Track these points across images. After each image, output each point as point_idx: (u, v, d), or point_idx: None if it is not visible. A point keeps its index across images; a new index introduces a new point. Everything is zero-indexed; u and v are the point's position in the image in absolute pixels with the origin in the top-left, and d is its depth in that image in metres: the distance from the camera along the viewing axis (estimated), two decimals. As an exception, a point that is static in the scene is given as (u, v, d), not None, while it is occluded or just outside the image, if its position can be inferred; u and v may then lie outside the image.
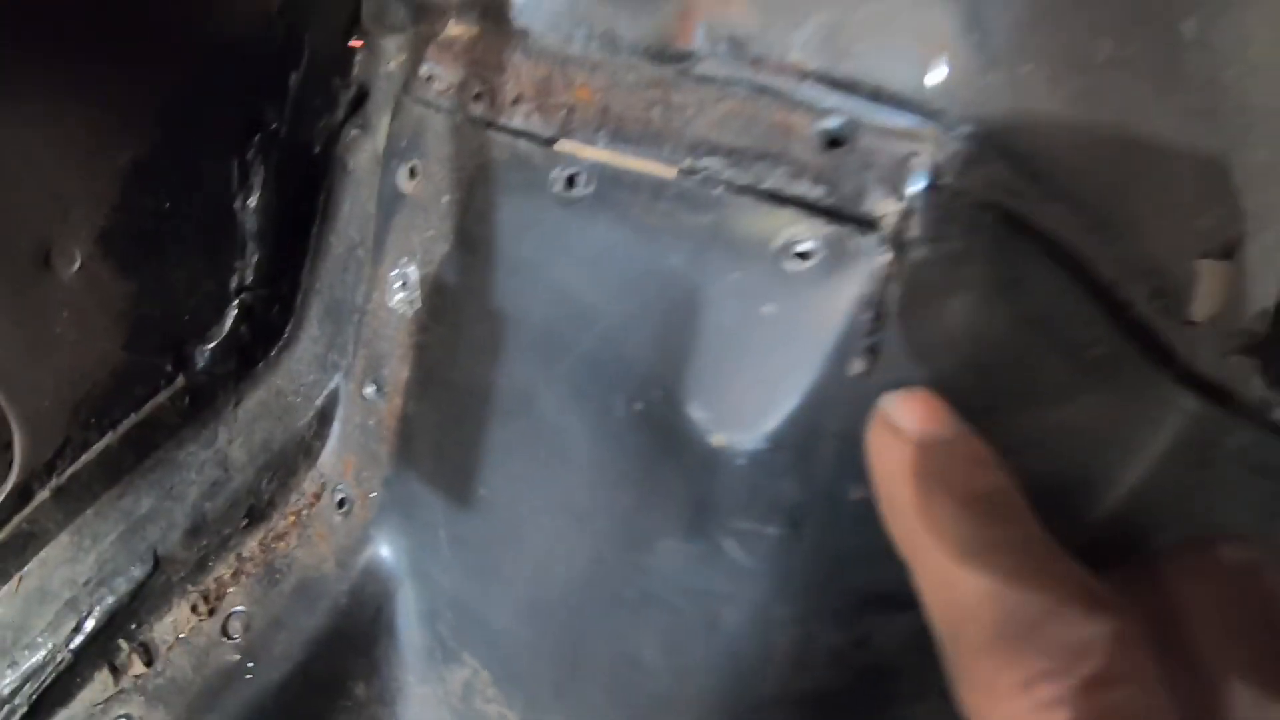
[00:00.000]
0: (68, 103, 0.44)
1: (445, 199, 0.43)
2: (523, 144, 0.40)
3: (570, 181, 0.38)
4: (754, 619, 0.37)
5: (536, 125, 0.40)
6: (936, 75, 0.34)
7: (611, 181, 0.37)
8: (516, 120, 0.41)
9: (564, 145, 0.39)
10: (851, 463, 0.35)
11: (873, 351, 0.34)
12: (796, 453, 0.34)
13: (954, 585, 0.24)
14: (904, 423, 0.27)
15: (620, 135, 0.38)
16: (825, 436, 0.34)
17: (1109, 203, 0.38)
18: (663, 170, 0.36)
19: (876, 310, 0.33)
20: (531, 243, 0.40)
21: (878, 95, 0.35)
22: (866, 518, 0.37)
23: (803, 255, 0.33)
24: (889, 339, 0.33)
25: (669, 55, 0.39)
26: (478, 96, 0.42)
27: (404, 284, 0.45)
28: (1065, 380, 0.37)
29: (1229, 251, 0.44)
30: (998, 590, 0.22)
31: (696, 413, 0.35)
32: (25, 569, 0.48)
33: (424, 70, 0.45)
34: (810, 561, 0.36)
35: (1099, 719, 0.20)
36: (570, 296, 0.38)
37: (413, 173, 0.44)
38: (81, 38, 0.44)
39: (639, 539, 0.38)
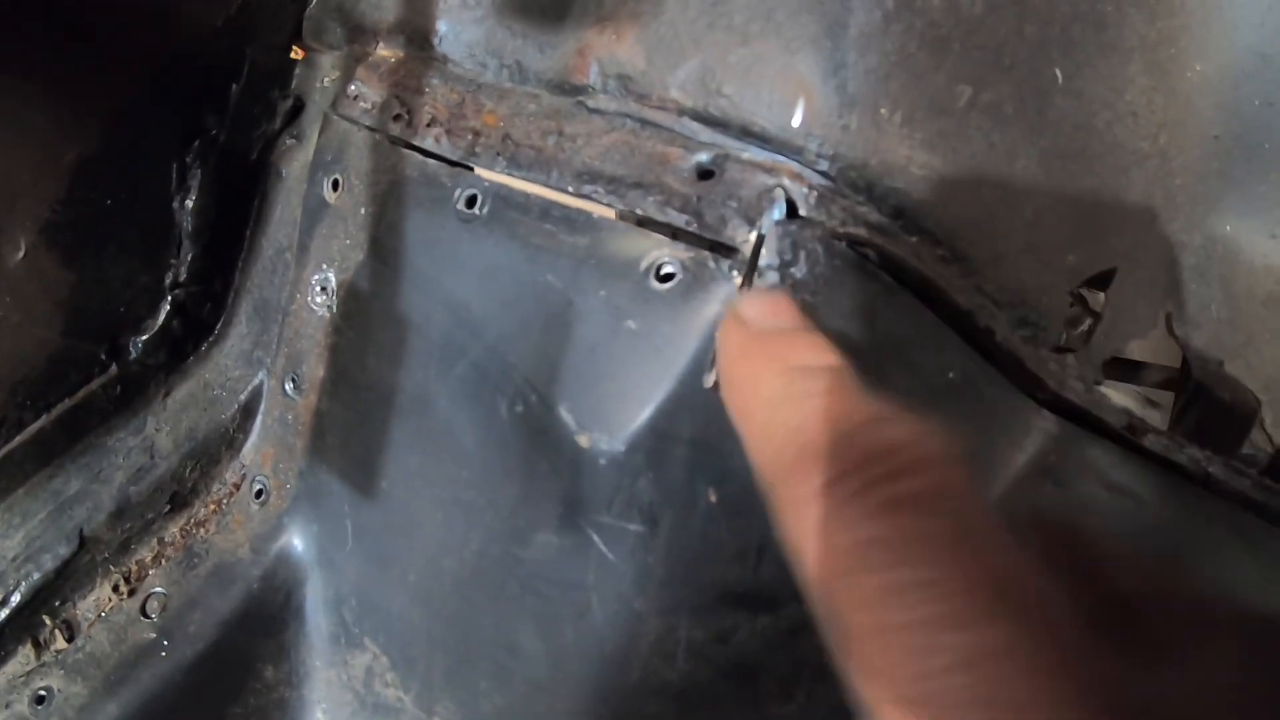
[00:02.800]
0: (21, 99, 0.49)
1: (363, 211, 0.47)
2: (432, 164, 0.45)
3: (470, 201, 0.43)
4: (619, 611, 0.41)
5: (446, 148, 0.45)
6: (799, 115, 0.39)
7: (504, 202, 0.42)
8: (429, 141, 0.45)
9: (480, 172, 0.44)
10: (704, 467, 0.40)
11: (724, 367, 0.38)
12: (652, 455, 0.38)
13: (770, 434, 0.24)
14: (749, 314, 0.28)
15: (516, 160, 0.42)
16: (679, 442, 0.38)
17: (969, 237, 0.42)
18: (557, 196, 0.41)
19: (728, 329, 0.38)
20: (434, 256, 0.44)
21: (746, 132, 0.40)
22: (721, 519, 0.41)
23: (666, 277, 0.38)
24: (739, 356, 0.38)
25: (567, 88, 0.44)
26: (397, 117, 0.47)
27: (323, 288, 0.50)
28: (918, 401, 0.41)
29: (1102, 285, 0.48)
30: (803, 422, 0.23)
31: (566, 415, 0.39)
32: (-44, 543, 0.52)
33: (351, 89, 0.49)
34: (668, 558, 0.40)
35: (897, 504, 0.20)
36: (465, 307, 0.43)
37: (336, 185, 0.49)
38: (37, 38, 0.49)
39: (519, 532, 0.43)
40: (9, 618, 0.52)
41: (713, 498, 0.39)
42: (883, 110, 0.39)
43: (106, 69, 0.50)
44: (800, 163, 0.39)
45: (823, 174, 0.39)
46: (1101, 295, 0.48)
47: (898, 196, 0.40)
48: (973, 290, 0.43)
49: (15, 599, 0.52)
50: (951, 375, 0.42)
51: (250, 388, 0.55)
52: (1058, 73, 0.42)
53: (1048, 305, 0.46)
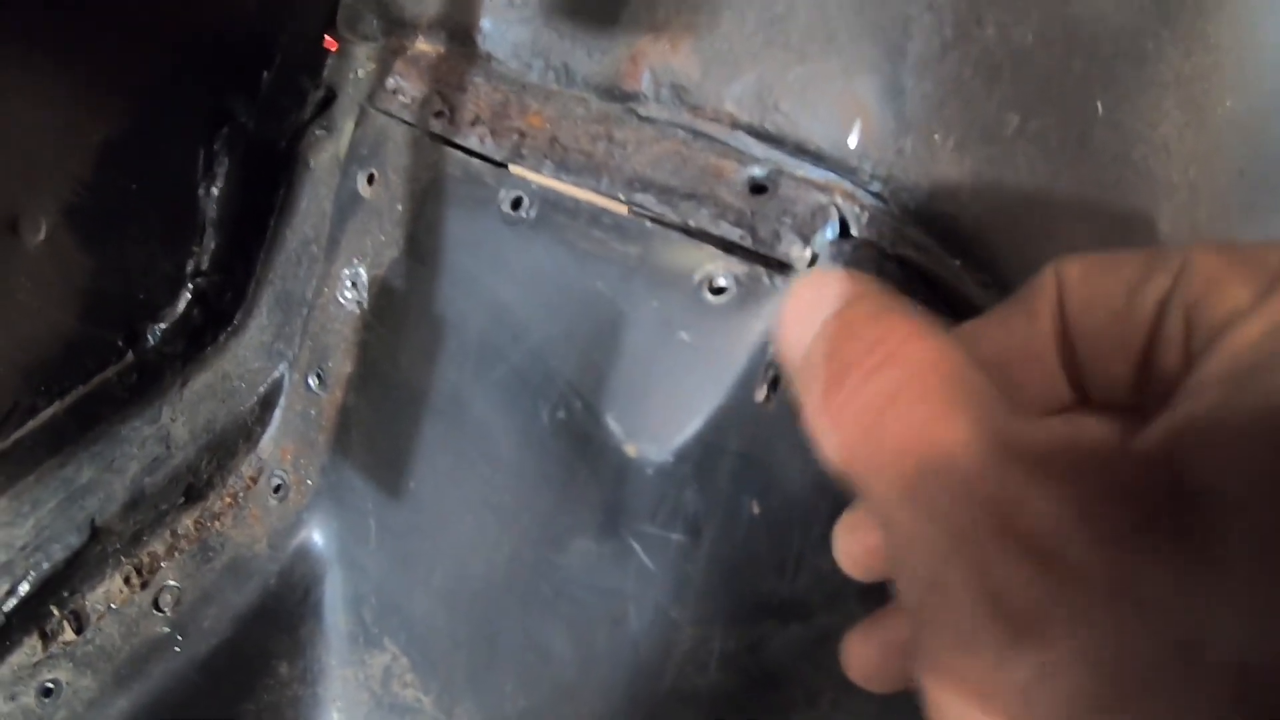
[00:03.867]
0: (49, 80, 0.48)
1: (399, 207, 0.47)
2: (476, 163, 0.45)
3: (516, 204, 0.43)
4: (655, 619, 0.42)
5: (490, 148, 0.45)
6: (855, 136, 0.40)
7: (553, 206, 0.42)
8: (472, 140, 0.45)
9: (514, 169, 0.44)
10: (749, 479, 0.40)
11: (775, 383, 0.39)
12: (699, 467, 0.39)
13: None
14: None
15: (565, 165, 0.43)
16: (726, 454, 0.39)
17: (1009, 262, 0.44)
18: (607, 203, 0.41)
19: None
20: (475, 257, 0.44)
21: (801, 150, 0.40)
22: (762, 532, 0.42)
23: (719, 290, 0.38)
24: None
25: (617, 94, 0.44)
26: (438, 114, 0.47)
27: (354, 283, 0.49)
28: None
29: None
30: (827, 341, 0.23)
31: (613, 424, 0.40)
32: (-39, 530, 0.51)
33: (390, 83, 0.49)
34: (708, 568, 0.40)
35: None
36: (507, 310, 0.43)
37: (371, 179, 0.49)
38: (68, 19, 0.48)
39: (555, 538, 0.43)
40: (16, 608, 0.51)
41: (755, 509, 0.40)
42: (936, 135, 0.39)
43: (138, 50, 0.50)
44: (853, 182, 0.39)
45: (874, 194, 0.40)
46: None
47: (945, 220, 0.41)
48: (1009, 313, 0.44)
49: (23, 588, 0.51)
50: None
51: (270, 380, 0.54)
52: (1099, 105, 0.43)
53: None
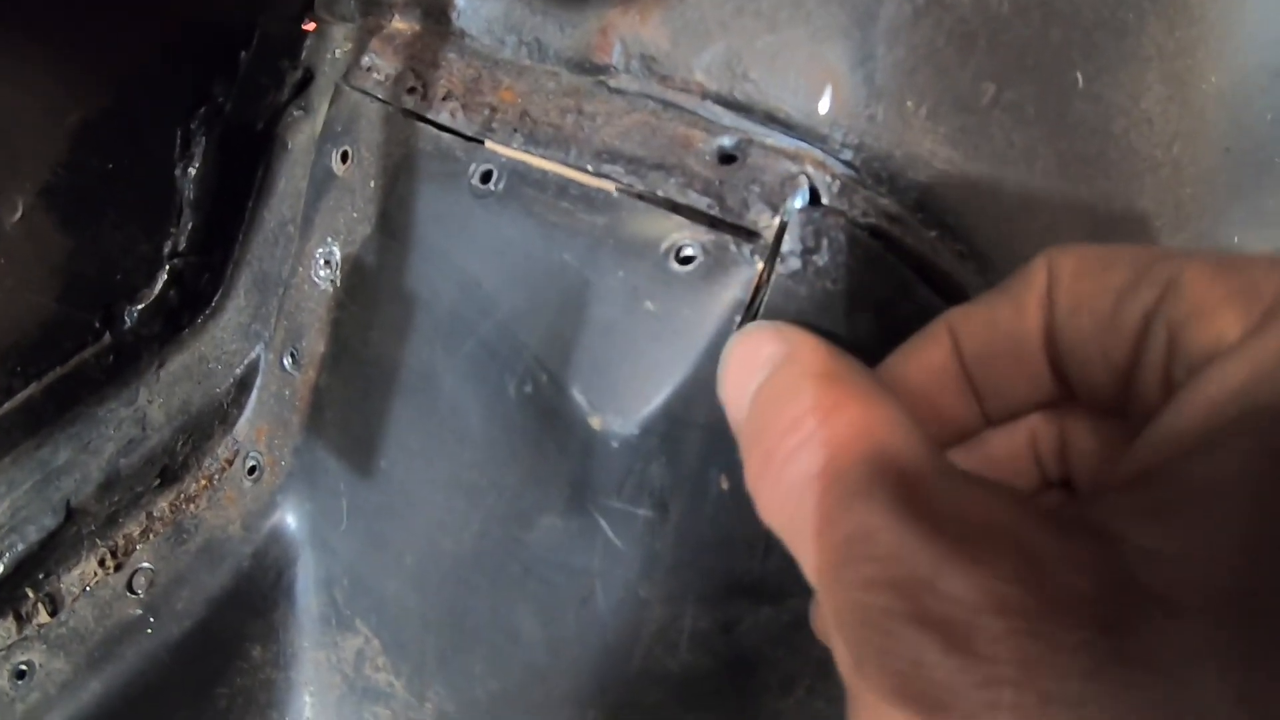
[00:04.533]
0: (25, 58, 0.48)
1: (372, 184, 0.47)
2: (447, 138, 0.44)
3: (485, 177, 0.43)
4: (624, 597, 0.41)
5: (461, 122, 0.44)
6: (825, 103, 0.39)
7: (521, 179, 0.42)
8: (444, 116, 0.45)
9: (485, 143, 0.44)
10: (717, 453, 0.40)
11: (742, 352, 0.38)
12: (666, 439, 0.38)
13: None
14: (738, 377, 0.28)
15: (534, 137, 0.42)
16: (693, 427, 0.38)
17: (986, 234, 0.43)
18: (574, 174, 0.41)
19: (748, 314, 0.38)
20: (446, 231, 0.44)
21: (771, 118, 0.40)
22: (732, 508, 0.41)
23: (686, 259, 0.38)
24: (757, 342, 0.38)
25: (588, 67, 0.43)
26: (411, 90, 0.47)
27: (327, 262, 0.49)
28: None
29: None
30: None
31: (578, 396, 0.39)
32: (-63, 510, 0.51)
33: (365, 60, 0.49)
34: (677, 545, 0.40)
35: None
36: (476, 283, 0.43)
37: (344, 157, 0.49)
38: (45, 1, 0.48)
39: (523, 515, 0.42)
40: (-9, 588, 0.51)
41: (724, 485, 0.39)
42: (909, 103, 0.39)
43: (115, 30, 0.50)
44: (824, 151, 0.39)
45: (846, 163, 0.39)
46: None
47: (919, 190, 0.40)
48: (986, 287, 0.43)
49: (-3, 569, 0.51)
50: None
51: (246, 362, 0.54)
52: (1079, 76, 0.43)
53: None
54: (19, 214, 0.50)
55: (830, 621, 0.20)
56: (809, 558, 0.21)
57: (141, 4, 0.50)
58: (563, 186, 0.40)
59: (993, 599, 0.17)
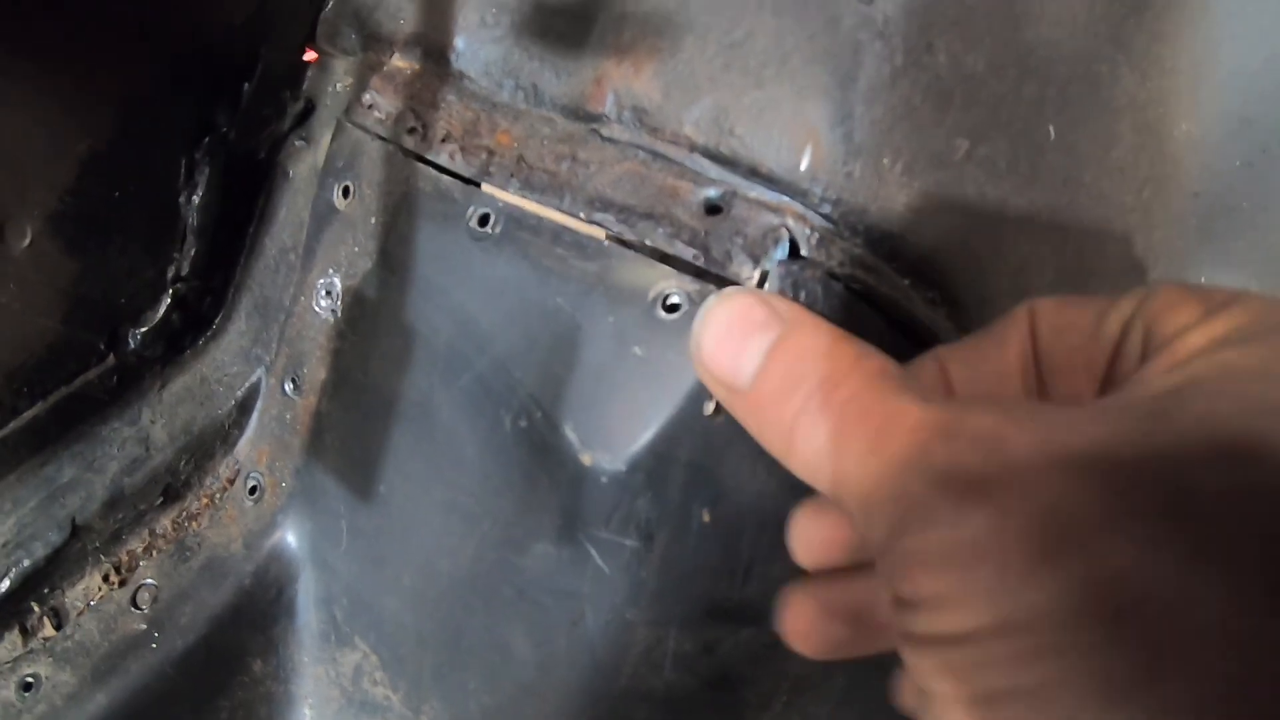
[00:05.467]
0: (35, 90, 0.51)
1: (373, 220, 0.51)
2: (446, 180, 0.48)
3: (484, 220, 0.46)
4: (611, 620, 0.45)
5: (460, 165, 0.48)
6: (806, 160, 0.43)
7: (517, 223, 0.45)
8: (443, 157, 0.49)
9: (482, 186, 0.47)
10: (700, 488, 0.44)
11: (724, 396, 0.42)
12: (652, 476, 0.42)
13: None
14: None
15: (530, 183, 0.46)
16: (677, 464, 0.42)
17: (958, 281, 0.47)
18: (569, 221, 0.44)
19: (730, 360, 0.42)
20: (444, 270, 0.48)
21: (755, 172, 0.44)
22: (713, 539, 0.45)
23: (673, 307, 0.41)
24: (738, 386, 0.41)
25: (582, 115, 0.47)
26: (411, 130, 0.50)
27: (328, 292, 0.53)
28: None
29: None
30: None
31: (570, 433, 0.43)
32: (-55, 527, 0.55)
33: (366, 98, 0.53)
34: (662, 573, 0.44)
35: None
36: (472, 321, 0.46)
37: (346, 192, 0.52)
38: (53, 29, 0.51)
39: (516, 541, 0.46)
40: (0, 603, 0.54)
41: (706, 518, 0.43)
42: (885, 160, 0.43)
43: (123, 61, 0.53)
44: (804, 204, 0.43)
45: (824, 216, 0.43)
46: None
47: (893, 241, 0.44)
48: (958, 332, 0.47)
49: (4, 585, 0.54)
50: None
51: (248, 384, 0.58)
52: (1051, 129, 0.47)
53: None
54: (28, 240, 0.53)
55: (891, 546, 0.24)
56: (856, 491, 0.25)
57: (148, 36, 0.54)
58: (557, 233, 0.44)
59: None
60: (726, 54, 0.44)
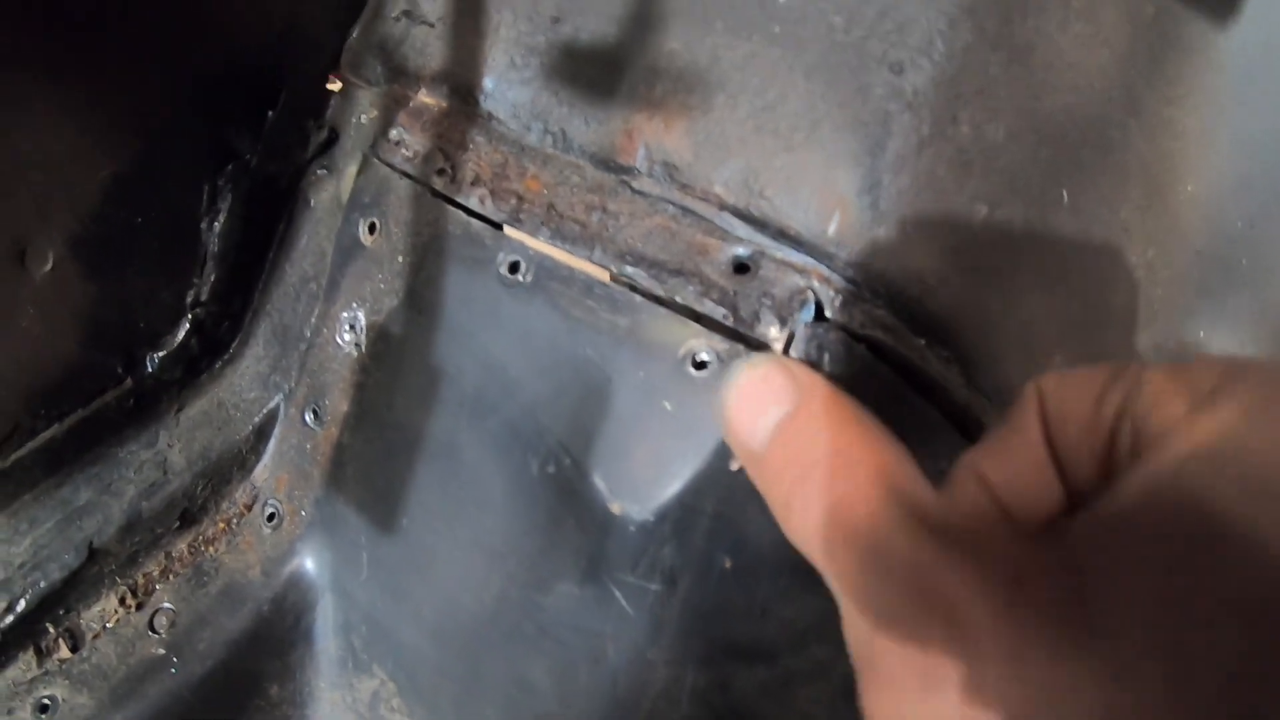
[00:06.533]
0: (63, 115, 0.53)
1: (400, 259, 0.53)
2: (476, 224, 0.51)
3: (513, 268, 0.49)
4: (632, 658, 0.49)
5: (490, 209, 0.51)
6: (834, 226, 0.46)
7: (548, 273, 0.48)
8: (473, 201, 0.51)
9: (511, 232, 0.50)
10: (722, 537, 0.47)
11: (749, 451, 0.46)
12: (678, 525, 0.46)
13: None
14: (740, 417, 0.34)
15: (561, 233, 0.49)
16: (703, 515, 0.46)
17: (971, 339, 0.50)
18: (596, 272, 0.48)
19: (756, 417, 0.45)
20: (472, 314, 0.51)
21: (783, 234, 0.47)
22: (733, 583, 0.49)
23: (701, 364, 0.45)
24: (764, 442, 0.45)
25: (612, 166, 0.50)
26: (440, 171, 0.53)
27: (352, 326, 0.56)
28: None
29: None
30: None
31: (599, 482, 0.46)
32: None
33: (394, 134, 0.55)
34: (683, 614, 0.47)
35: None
36: (500, 366, 0.50)
37: (373, 228, 0.55)
38: (79, 58, 0.54)
39: (540, 580, 0.50)
40: (13, 624, 0.57)
41: (727, 564, 0.47)
42: (908, 226, 0.46)
43: (148, 88, 0.55)
44: (829, 267, 0.46)
45: (848, 279, 0.46)
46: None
47: (912, 301, 0.48)
48: (971, 389, 0.51)
49: (20, 606, 0.57)
50: (944, 466, 0.50)
51: (265, 411, 0.60)
52: (1065, 193, 0.50)
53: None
54: (49, 265, 0.55)
55: (853, 621, 0.27)
56: (835, 570, 0.28)
57: (173, 63, 0.56)
58: (588, 285, 0.47)
59: (983, 589, 0.25)
60: (758, 116, 0.47)
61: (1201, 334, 0.57)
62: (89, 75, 0.54)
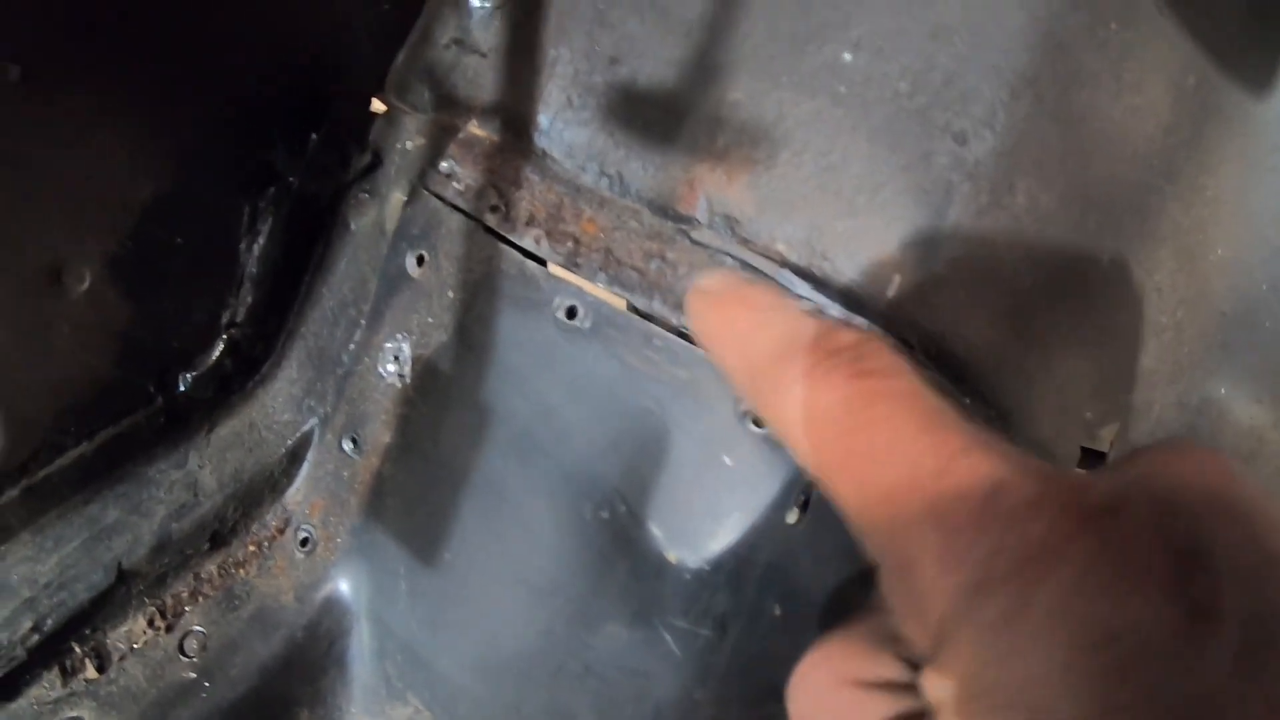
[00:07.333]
0: (106, 135, 0.54)
1: (450, 294, 0.55)
2: (531, 265, 0.53)
3: (570, 312, 0.51)
4: (678, 698, 0.51)
5: (546, 251, 0.53)
6: (892, 290, 0.49)
7: (607, 321, 0.51)
8: (528, 241, 0.53)
9: (566, 274, 0.52)
10: (775, 587, 0.50)
11: (805, 506, 0.48)
12: (732, 575, 0.48)
13: (749, 354, 0.31)
14: (711, 285, 0.33)
15: (619, 280, 0.51)
16: (756, 564, 0.48)
17: (1011, 396, 0.54)
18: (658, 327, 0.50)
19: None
20: (526, 355, 0.53)
21: (843, 295, 0.50)
22: (782, 630, 0.52)
23: (760, 422, 0.48)
24: (817, 498, 0.48)
25: (670, 214, 0.52)
26: (494, 208, 0.55)
27: (396, 358, 0.57)
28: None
29: (1110, 436, 0.60)
30: (776, 340, 0.30)
31: (656, 530, 0.49)
32: (-18, 562, 0.58)
33: (444, 166, 0.57)
34: (731, 659, 0.50)
35: (868, 372, 0.27)
36: (554, 410, 0.52)
37: (421, 260, 0.56)
38: (123, 77, 0.54)
39: (588, 620, 0.52)
40: (40, 644, 0.58)
41: (777, 611, 0.49)
42: (962, 291, 0.49)
43: (192, 109, 0.56)
44: (884, 329, 0.49)
45: (903, 340, 0.49)
46: (1107, 442, 0.60)
47: (960, 363, 0.51)
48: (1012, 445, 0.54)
49: (47, 625, 0.58)
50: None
51: (299, 434, 0.62)
52: (1105, 258, 0.53)
53: (1064, 454, 0.57)
54: (86, 284, 0.56)
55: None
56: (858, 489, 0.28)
57: (217, 84, 0.57)
58: (648, 335, 0.49)
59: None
60: (821, 175, 0.49)
61: (1223, 391, 0.60)
62: (132, 96, 0.55)
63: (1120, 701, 0.21)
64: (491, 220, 0.54)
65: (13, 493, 0.58)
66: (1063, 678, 0.22)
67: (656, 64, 0.53)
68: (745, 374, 0.31)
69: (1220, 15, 0.55)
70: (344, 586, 0.59)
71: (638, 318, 0.50)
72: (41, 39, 0.52)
